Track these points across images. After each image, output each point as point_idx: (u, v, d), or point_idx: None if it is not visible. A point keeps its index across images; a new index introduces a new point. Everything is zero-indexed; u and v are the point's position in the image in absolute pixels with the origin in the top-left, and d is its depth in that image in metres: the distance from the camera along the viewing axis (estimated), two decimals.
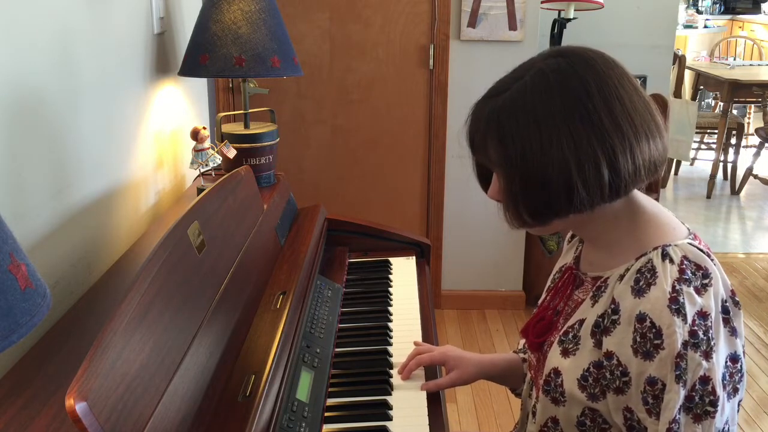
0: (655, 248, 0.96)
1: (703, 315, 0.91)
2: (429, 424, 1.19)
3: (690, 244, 0.97)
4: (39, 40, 1.29)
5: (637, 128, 0.95)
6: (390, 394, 1.27)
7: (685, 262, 0.94)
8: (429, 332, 1.52)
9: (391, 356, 1.39)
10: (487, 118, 0.98)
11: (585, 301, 1.04)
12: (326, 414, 1.20)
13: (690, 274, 0.94)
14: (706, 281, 0.94)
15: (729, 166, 5.38)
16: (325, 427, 1.17)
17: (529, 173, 0.95)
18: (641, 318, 0.92)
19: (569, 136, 0.93)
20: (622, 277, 0.98)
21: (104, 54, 1.57)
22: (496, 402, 2.62)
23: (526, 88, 0.96)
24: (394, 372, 1.34)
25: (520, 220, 1.00)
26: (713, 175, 5.12)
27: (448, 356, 1.31)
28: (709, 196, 5.12)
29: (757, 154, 5.09)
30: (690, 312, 0.91)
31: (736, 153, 5.34)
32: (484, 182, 1.11)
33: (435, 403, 1.26)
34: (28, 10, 1.24)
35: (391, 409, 1.22)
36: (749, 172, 5.11)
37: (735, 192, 5.25)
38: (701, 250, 0.97)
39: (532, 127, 0.94)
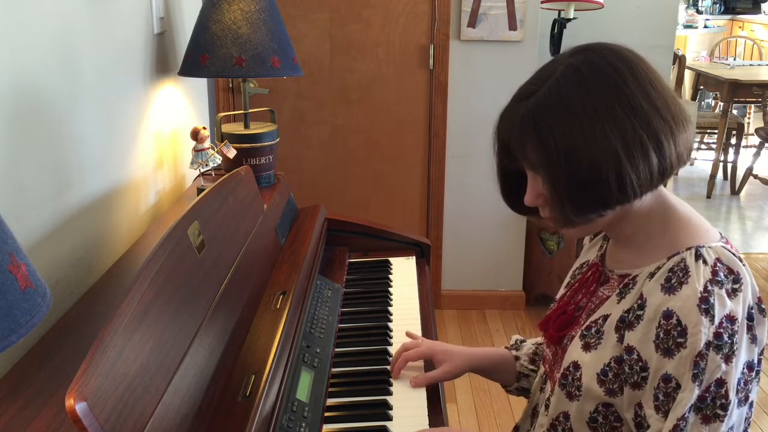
0: (689, 248, 0.96)
1: (730, 319, 0.91)
2: (429, 424, 1.19)
3: (723, 247, 0.97)
4: (39, 40, 1.29)
5: (673, 112, 0.95)
6: (390, 394, 1.27)
7: (719, 264, 0.94)
8: (429, 332, 1.52)
9: (391, 356, 1.39)
10: (522, 121, 0.96)
11: (610, 298, 1.04)
12: (326, 414, 1.20)
13: (722, 277, 0.93)
14: (737, 286, 0.94)
15: (729, 166, 5.38)
16: (325, 427, 1.17)
17: (576, 169, 0.93)
18: (668, 315, 0.92)
19: (613, 123, 0.92)
20: (652, 275, 0.97)
21: (104, 54, 1.57)
22: (496, 402, 2.62)
23: (559, 85, 0.95)
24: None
25: (565, 220, 0.99)
26: (713, 175, 5.12)
27: (436, 350, 1.31)
28: (709, 196, 5.12)
29: (757, 154, 5.09)
30: (719, 314, 0.90)
31: (736, 153, 5.34)
32: (510, 191, 1.09)
33: (435, 403, 1.25)
34: (28, 10, 1.24)
35: (391, 409, 1.22)
36: (749, 172, 5.11)
37: (735, 192, 5.26)
38: (734, 255, 0.97)
39: (572, 122, 0.93)
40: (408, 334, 1.42)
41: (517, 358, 1.31)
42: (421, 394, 1.27)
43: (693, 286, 0.92)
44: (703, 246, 0.96)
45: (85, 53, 1.47)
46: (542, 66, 1.00)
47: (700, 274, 0.93)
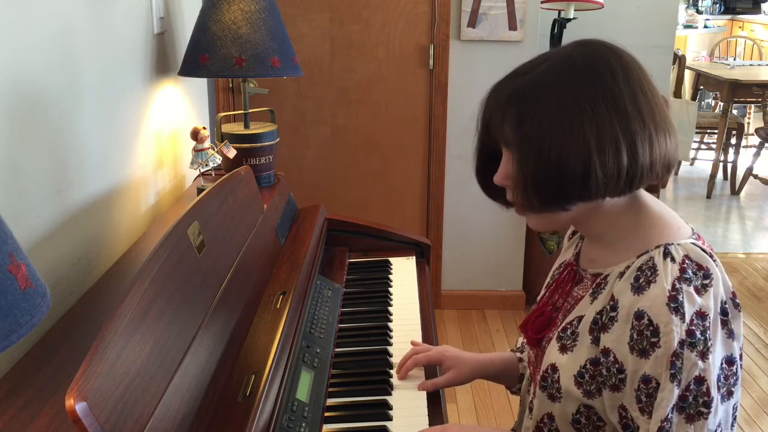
0: (657, 246, 0.96)
1: (701, 315, 0.91)
2: (429, 424, 1.19)
3: (693, 243, 0.97)
4: (39, 41, 1.29)
5: (657, 121, 0.95)
6: (390, 394, 1.27)
7: (687, 261, 0.94)
8: (429, 332, 1.52)
9: (391, 356, 1.39)
10: (508, 96, 0.97)
11: (584, 298, 1.04)
12: (326, 414, 1.20)
13: (691, 274, 0.93)
14: (706, 281, 0.94)
15: (729, 166, 5.38)
16: (325, 427, 1.17)
17: (546, 153, 0.93)
18: (639, 315, 0.92)
19: (592, 117, 0.92)
20: (622, 274, 0.97)
21: (104, 54, 1.57)
22: (496, 402, 2.62)
23: (552, 70, 0.96)
24: (394, 372, 1.33)
25: (527, 205, 0.99)
26: (713, 175, 5.12)
27: (445, 356, 1.31)
28: (709, 196, 5.12)
29: (757, 154, 5.09)
30: (688, 311, 0.90)
31: (736, 153, 5.34)
32: (485, 171, 1.09)
33: (435, 403, 1.25)
34: (28, 10, 1.24)
35: (391, 409, 1.22)
36: (749, 172, 5.11)
37: (735, 192, 5.25)
38: (704, 251, 0.97)
39: (553, 107, 0.93)
40: (413, 344, 1.42)
41: (520, 359, 1.31)
42: (421, 394, 1.27)
43: (661, 285, 0.92)
44: (672, 243, 0.96)
45: (85, 53, 1.47)
46: (545, 51, 1.01)
47: (668, 273, 0.93)
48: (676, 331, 0.89)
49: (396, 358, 1.37)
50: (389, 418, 1.20)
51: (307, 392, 1.20)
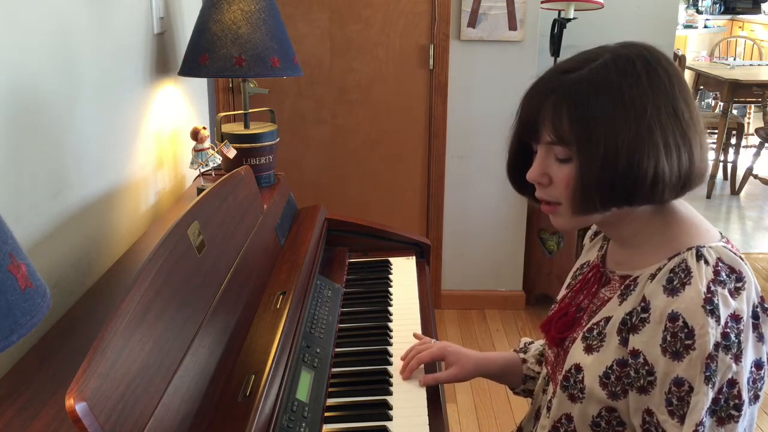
0: (689, 249, 0.96)
1: (735, 318, 0.91)
2: (429, 424, 1.19)
3: (724, 246, 0.97)
4: (39, 41, 1.29)
5: (701, 131, 0.97)
6: (390, 394, 1.27)
7: (720, 264, 0.94)
8: (429, 332, 1.52)
9: (391, 356, 1.39)
10: (564, 93, 0.94)
11: (612, 300, 1.03)
12: (326, 414, 1.20)
13: (724, 276, 0.93)
14: (739, 284, 0.94)
15: (729, 166, 5.38)
16: (325, 427, 1.17)
17: (615, 158, 0.92)
18: (674, 317, 0.91)
19: (659, 123, 0.92)
20: (653, 276, 0.97)
21: (104, 54, 1.57)
22: (496, 402, 2.62)
23: (609, 68, 0.94)
24: (394, 372, 1.33)
25: (578, 207, 0.97)
26: (713, 175, 5.12)
27: (448, 351, 1.31)
28: (709, 196, 5.12)
29: (757, 154, 5.09)
30: (723, 314, 0.90)
31: (736, 153, 5.34)
32: (518, 167, 1.06)
33: (435, 403, 1.25)
34: (28, 10, 1.24)
35: (391, 409, 1.22)
36: (749, 172, 5.11)
37: (735, 192, 5.26)
38: (735, 254, 0.97)
39: (619, 110, 0.92)
40: (416, 336, 1.42)
41: (524, 360, 1.30)
42: (421, 394, 1.27)
43: (696, 287, 0.91)
44: (704, 246, 0.96)
45: (85, 53, 1.47)
46: (584, 50, 0.99)
47: (702, 275, 0.92)
48: (711, 333, 0.89)
49: (396, 358, 1.37)
50: (389, 418, 1.20)
51: (307, 392, 1.20)
